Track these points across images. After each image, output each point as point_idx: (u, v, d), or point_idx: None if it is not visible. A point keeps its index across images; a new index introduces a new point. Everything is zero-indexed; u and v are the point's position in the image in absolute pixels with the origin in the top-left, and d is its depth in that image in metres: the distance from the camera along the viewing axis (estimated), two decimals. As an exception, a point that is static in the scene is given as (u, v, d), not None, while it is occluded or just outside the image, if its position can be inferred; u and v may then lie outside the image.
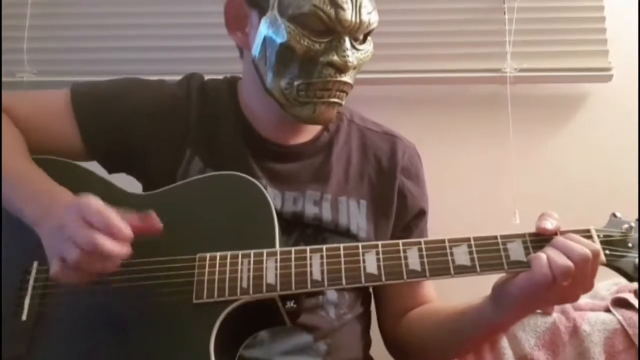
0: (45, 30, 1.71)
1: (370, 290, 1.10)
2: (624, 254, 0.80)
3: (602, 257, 0.80)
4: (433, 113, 1.66)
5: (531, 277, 0.79)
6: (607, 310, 1.20)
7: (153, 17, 1.72)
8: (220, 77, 1.15)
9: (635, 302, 1.16)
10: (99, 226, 0.76)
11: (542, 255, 0.79)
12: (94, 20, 1.71)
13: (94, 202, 0.78)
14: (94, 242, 0.75)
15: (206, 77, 1.13)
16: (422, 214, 1.11)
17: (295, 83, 0.95)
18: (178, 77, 1.12)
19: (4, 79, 1.63)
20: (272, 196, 0.98)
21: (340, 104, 0.99)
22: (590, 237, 0.81)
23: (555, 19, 1.64)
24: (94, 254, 0.76)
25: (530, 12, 1.63)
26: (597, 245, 0.80)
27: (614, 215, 0.85)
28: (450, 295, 1.10)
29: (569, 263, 0.77)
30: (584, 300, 1.29)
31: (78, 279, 0.79)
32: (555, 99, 1.65)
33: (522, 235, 0.83)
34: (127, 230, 0.77)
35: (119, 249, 0.77)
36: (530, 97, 1.63)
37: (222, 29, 1.05)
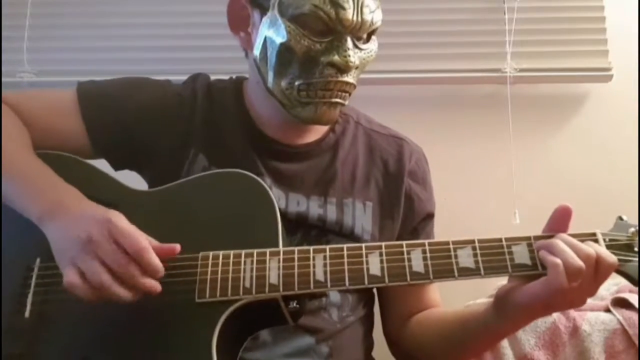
0: (45, 30, 1.72)
1: (374, 292, 1.10)
2: (630, 258, 0.78)
3: (615, 260, 0.77)
4: (433, 113, 1.66)
5: (549, 285, 0.76)
6: (607, 310, 1.20)
7: (153, 17, 1.72)
8: (225, 77, 1.14)
9: (635, 302, 1.17)
10: (131, 253, 0.75)
11: (557, 261, 0.75)
12: (94, 20, 1.72)
13: (126, 224, 0.77)
14: (128, 272, 0.75)
15: (211, 78, 1.13)
16: (429, 217, 1.10)
17: (296, 83, 0.94)
18: (180, 77, 1.12)
19: (4, 79, 1.63)
20: (277, 196, 0.97)
21: (342, 104, 0.98)
22: (596, 240, 0.79)
23: (555, 19, 1.65)
24: (122, 281, 0.75)
25: (530, 12, 1.64)
26: (603, 248, 0.78)
27: (620, 218, 0.82)
28: (452, 294, 1.11)
29: (580, 263, 0.75)
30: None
31: (92, 297, 0.77)
32: (555, 99, 1.66)
33: (527, 238, 0.81)
34: (157, 263, 0.77)
35: (151, 285, 0.77)
36: (530, 97, 1.64)
37: (225, 29, 1.04)
